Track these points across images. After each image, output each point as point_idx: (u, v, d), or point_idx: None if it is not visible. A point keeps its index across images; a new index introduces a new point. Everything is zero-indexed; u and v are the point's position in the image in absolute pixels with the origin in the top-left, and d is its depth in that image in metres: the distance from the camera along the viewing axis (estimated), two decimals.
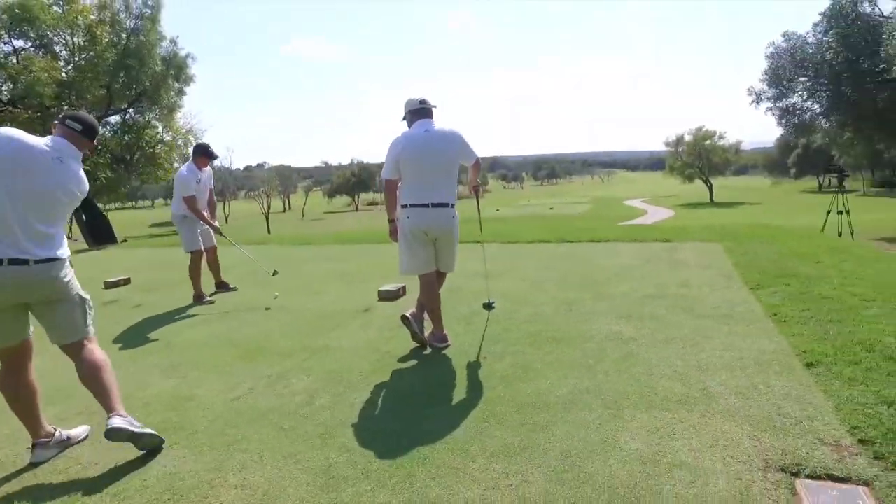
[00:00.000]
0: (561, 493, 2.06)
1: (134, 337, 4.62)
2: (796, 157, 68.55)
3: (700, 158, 66.67)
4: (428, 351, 3.73)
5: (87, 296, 2.63)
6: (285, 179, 61.21)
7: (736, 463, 2.18)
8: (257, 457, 2.46)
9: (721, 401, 2.71)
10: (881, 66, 11.38)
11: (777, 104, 14.47)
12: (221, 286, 6.16)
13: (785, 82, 13.75)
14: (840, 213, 10.58)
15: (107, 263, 8.88)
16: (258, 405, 3.01)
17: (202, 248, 5.84)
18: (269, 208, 56.28)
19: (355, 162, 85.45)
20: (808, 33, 13.55)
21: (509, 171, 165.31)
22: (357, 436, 2.60)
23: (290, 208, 62.87)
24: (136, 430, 2.42)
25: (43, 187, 2.41)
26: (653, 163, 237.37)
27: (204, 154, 5.70)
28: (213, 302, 5.68)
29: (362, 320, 4.64)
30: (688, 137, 67.86)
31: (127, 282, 7.01)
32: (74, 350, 2.57)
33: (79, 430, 2.73)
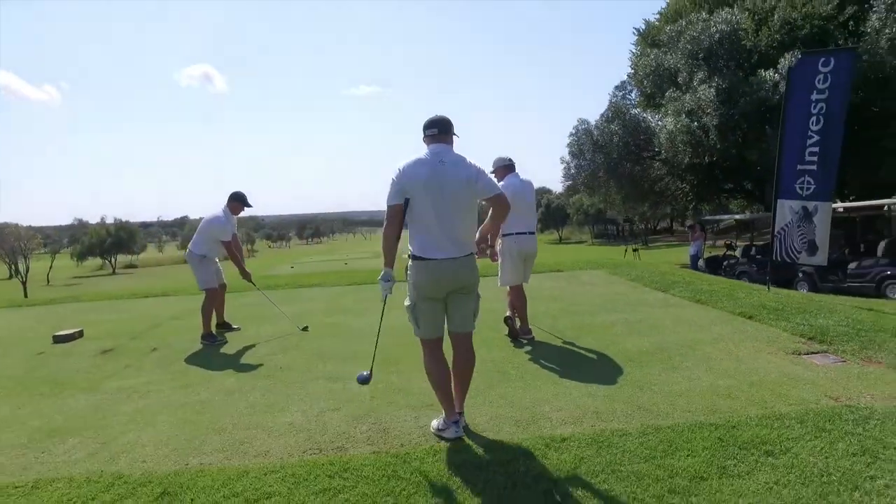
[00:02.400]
0: (717, 378, 3.73)
1: (255, 369, 4.82)
2: (541, 214, 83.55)
3: None
4: (525, 342, 5.01)
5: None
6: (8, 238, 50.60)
7: (776, 353, 4.16)
8: (515, 386, 3.57)
9: (731, 338, 4.72)
10: (656, 149, 16.44)
11: (581, 171, 19.24)
12: (224, 326, 6.27)
13: (585, 155, 18.46)
14: (635, 250, 14.74)
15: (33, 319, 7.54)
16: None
17: (217, 286, 6.01)
18: (27, 271, 49.75)
19: (114, 220, 74.89)
20: (596, 121, 18.73)
21: (272, 230, 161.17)
22: (564, 378, 3.87)
23: (16, 273, 51.37)
24: None
25: (449, 196, 2.84)
26: None
27: (239, 201, 5.97)
28: (225, 341, 5.84)
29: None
30: None
31: (80, 334, 6.43)
32: (464, 340, 3.03)
33: None
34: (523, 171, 5.16)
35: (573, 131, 18.78)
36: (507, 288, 5.19)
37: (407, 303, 3.02)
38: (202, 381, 4.41)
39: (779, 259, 6.57)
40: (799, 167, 6.25)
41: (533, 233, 5.09)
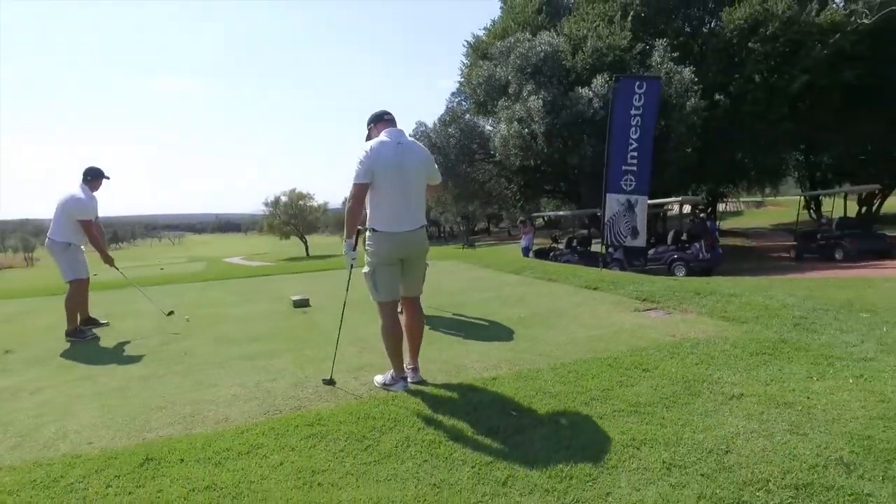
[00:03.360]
0: (589, 331, 4.68)
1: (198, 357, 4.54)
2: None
3: (295, 217, 74.93)
4: None
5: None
6: None
7: (624, 311, 5.29)
8: (428, 349, 4.12)
9: (588, 303, 5.81)
10: (490, 152, 18.03)
11: None
12: (90, 321, 5.72)
13: None
14: (471, 246, 16.14)
15: None
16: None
17: (86, 276, 5.51)
18: None
19: None
20: (433, 123, 19.86)
21: None
22: (468, 340, 4.51)
23: None
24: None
25: (407, 175, 3.19)
26: (221, 225, 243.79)
27: (98, 175, 5.46)
28: (96, 336, 5.40)
29: (303, 318, 5.87)
30: (284, 199, 75.45)
31: None
32: (413, 303, 3.43)
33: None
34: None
35: (412, 134, 19.79)
36: None
37: (366, 270, 3.30)
38: (103, 373, 4.13)
39: (609, 243, 8.04)
40: (623, 168, 7.75)
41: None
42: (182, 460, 2.51)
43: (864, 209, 22.48)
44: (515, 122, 15.46)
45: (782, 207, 49.98)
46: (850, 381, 3.09)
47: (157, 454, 2.56)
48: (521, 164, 16.57)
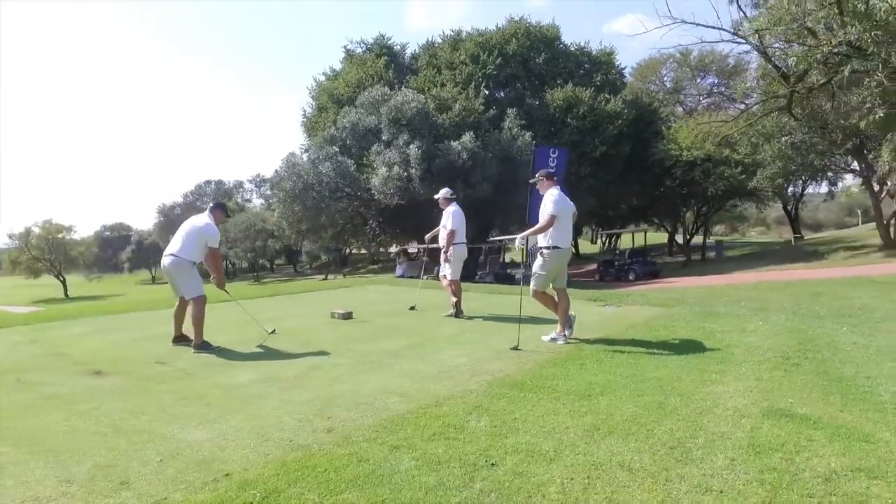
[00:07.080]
0: (588, 317, 7.33)
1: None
2: (131, 252, 77.03)
3: (52, 252, 64.67)
4: (465, 317, 7.45)
5: None
6: None
7: (591, 306, 8.09)
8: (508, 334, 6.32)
9: None
10: (357, 192, 19.80)
11: (285, 206, 20.85)
12: (183, 339, 6.23)
13: (296, 192, 20.20)
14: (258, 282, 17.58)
15: None
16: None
17: (204, 293, 6.10)
18: None
19: None
20: (288, 155, 20.97)
21: None
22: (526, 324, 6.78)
23: None
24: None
25: (571, 214, 5.60)
26: None
27: (223, 211, 6.25)
28: (221, 347, 5.89)
29: (377, 325, 7.39)
30: (37, 230, 64.05)
31: None
32: (565, 290, 5.73)
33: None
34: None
35: (283, 166, 20.63)
36: (448, 280, 7.58)
37: (542, 272, 5.54)
38: (318, 367, 4.94)
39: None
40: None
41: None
42: (540, 387, 4.24)
43: (608, 244, 30.47)
44: (395, 166, 17.78)
45: None
46: (760, 322, 6.33)
47: (518, 385, 4.29)
48: (398, 203, 18.86)
